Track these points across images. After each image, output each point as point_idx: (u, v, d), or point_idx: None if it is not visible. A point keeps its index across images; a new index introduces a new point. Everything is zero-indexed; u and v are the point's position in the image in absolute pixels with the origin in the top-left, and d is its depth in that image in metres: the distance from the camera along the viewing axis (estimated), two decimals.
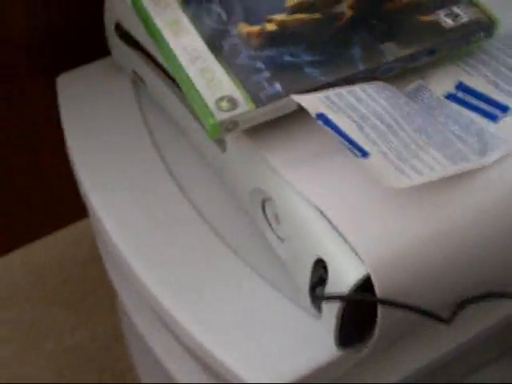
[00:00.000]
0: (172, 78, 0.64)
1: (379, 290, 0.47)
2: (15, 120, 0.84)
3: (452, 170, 0.50)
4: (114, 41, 0.70)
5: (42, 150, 0.90)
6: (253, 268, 0.59)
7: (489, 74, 0.59)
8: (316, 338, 0.55)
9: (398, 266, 0.48)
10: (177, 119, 0.67)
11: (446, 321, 0.51)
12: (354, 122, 0.51)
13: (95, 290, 1.26)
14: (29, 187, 0.93)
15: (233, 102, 0.52)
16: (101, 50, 0.75)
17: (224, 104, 0.52)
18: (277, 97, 0.53)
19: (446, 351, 0.62)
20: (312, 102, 0.52)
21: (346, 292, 0.48)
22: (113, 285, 0.77)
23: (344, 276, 0.48)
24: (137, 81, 0.71)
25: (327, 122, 0.50)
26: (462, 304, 0.53)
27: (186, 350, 0.65)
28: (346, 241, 0.49)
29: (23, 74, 0.80)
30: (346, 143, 0.49)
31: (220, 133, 0.52)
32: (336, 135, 0.50)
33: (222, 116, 0.52)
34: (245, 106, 0.52)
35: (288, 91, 0.53)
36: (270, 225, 0.57)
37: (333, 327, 0.51)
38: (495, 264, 0.53)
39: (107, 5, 0.69)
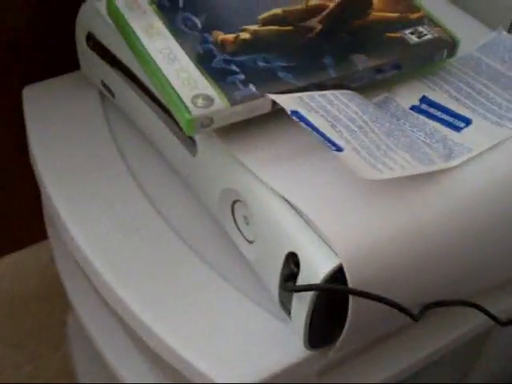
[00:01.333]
0: (142, 86, 0.65)
1: (351, 281, 0.48)
2: None
3: (421, 168, 0.52)
4: (85, 52, 0.71)
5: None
6: (219, 273, 0.59)
7: (450, 90, 0.61)
8: (282, 340, 0.55)
9: (370, 258, 0.49)
10: (145, 128, 0.67)
11: (414, 317, 0.52)
12: (327, 121, 0.52)
13: (39, 327, 1.23)
14: None
15: (208, 100, 0.53)
16: (68, 65, 0.75)
17: (200, 101, 0.53)
18: (251, 97, 0.54)
19: (413, 360, 0.63)
20: (286, 101, 0.53)
21: (319, 282, 0.48)
22: (71, 302, 0.76)
23: (316, 267, 0.49)
24: (105, 93, 0.72)
25: (302, 118, 0.52)
26: (431, 305, 0.54)
27: (153, 364, 0.65)
28: (318, 233, 0.50)
29: None
30: (321, 138, 0.50)
31: (195, 129, 0.53)
32: (310, 130, 0.51)
33: (197, 112, 0.53)
34: (220, 103, 0.53)
35: (262, 92, 0.54)
36: (238, 227, 0.58)
37: (302, 323, 0.52)
38: (465, 266, 0.54)
39: (79, 16, 0.70)
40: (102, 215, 0.63)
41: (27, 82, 0.75)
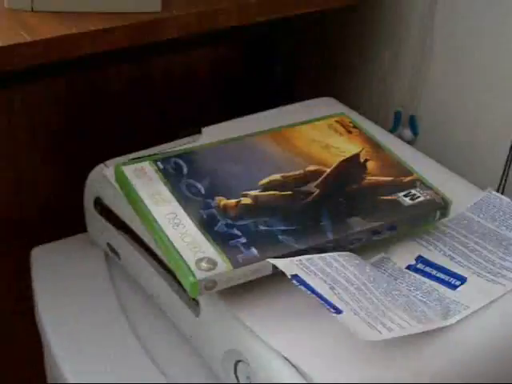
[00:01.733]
0: (147, 249, 0.67)
1: None
2: None
3: (419, 328, 0.53)
4: (92, 215, 0.74)
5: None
6: None
7: (445, 249, 0.64)
8: None
9: None
10: (149, 288, 0.69)
11: None
12: (326, 283, 0.54)
13: None
14: None
15: (212, 263, 0.56)
16: (73, 228, 0.78)
17: (203, 264, 0.56)
18: (253, 260, 0.56)
19: None
20: (287, 265, 0.55)
21: None
22: None
23: None
24: (110, 255, 0.75)
25: (301, 282, 0.54)
26: None
27: None
28: None
29: None
30: (321, 301, 0.52)
31: (199, 291, 0.55)
32: (310, 294, 0.53)
33: (201, 275, 0.55)
34: (223, 266, 0.56)
35: (263, 255, 0.57)
36: None
37: None
38: None
39: (88, 181, 0.73)
40: (105, 376, 0.63)
41: (35, 245, 0.77)
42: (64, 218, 0.85)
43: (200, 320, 0.61)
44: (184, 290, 0.62)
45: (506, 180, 0.81)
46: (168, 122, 0.92)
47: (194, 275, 0.55)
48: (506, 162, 0.81)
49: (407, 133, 0.90)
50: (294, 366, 0.53)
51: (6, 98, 0.80)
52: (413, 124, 0.89)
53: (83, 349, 0.67)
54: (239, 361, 0.58)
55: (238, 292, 0.58)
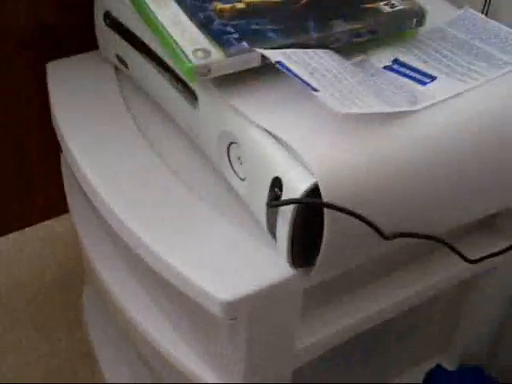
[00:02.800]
0: (151, 55, 0.74)
1: (325, 195, 0.56)
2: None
3: (388, 109, 0.61)
4: (102, 28, 0.81)
5: (26, 141, 0.99)
6: (216, 209, 0.68)
7: (420, 54, 0.71)
8: (271, 262, 0.64)
9: (343, 178, 0.57)
10: (153, 90, 0.77)
11: (385, 237, 0.60)
12: (306, 70, 0.62)
13: (58, 311, 1.30)
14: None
15: (207, 53, 0.63)
16: (87, 46, 0.86)
17: (199, 53, 0.63)
18: (244, 51, 0.64)
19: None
20: (272, 54, 0.63)
21: (297, 197, 0.57)
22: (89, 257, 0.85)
23: (296, 186, 0.58)
24: (119, 66, 0.82)
25: (284, 67, 0.61)
26: (400, 234, 0.62)
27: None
28: (299, 159, 0.58)
29: (15, 61, 0.90)
30: (300, 81, 0.60)
31: (195, 76, 0.63)
32: (292, 76, 0.60)
33: (197, 61, 0.62)
34: (217, 55, 0.63)
35: (253, 47, 0.64)
36: (232, 167, 0.67)
37: (285, 239, 0.60)
38: (427, 198, 0.63)
39: None
40: (113, 162, 0.72)
41: (51, 59, 0.85)
42: (76, 36, 0.91)
43: (197, 110, 0.69)
44: (184, 86, 0.70)
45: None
46: None
47: (190, 61, 0.62)
48: None
49: None
50: (277, 139, 0.60)
51: None
52: None
53: (96, 143, 0.75)
54: (232, 143, 0.66)
55: (232, 83, 0.65)
